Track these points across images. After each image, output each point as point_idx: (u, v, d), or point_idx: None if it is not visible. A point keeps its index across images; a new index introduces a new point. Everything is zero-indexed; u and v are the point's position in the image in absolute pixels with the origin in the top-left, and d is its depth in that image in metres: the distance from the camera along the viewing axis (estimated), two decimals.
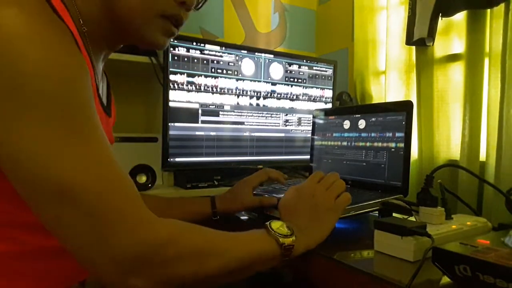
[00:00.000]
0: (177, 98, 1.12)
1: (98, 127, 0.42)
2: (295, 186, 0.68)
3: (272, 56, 1.29)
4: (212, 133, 1.19)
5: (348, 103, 1.40)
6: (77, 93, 0.40)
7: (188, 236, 0.46)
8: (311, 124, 1.08)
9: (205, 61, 1.16)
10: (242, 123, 1.25)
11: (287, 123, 1.35)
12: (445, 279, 0.46)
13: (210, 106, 1.18)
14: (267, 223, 0.55)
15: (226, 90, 1.20)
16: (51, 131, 0.38)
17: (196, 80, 1.15)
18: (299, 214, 0.61)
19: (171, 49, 1.10)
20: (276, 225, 0.55)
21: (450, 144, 1.10)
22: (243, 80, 1.24)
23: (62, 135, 0.38)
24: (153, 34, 0.54)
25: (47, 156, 0.37)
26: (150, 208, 0.74)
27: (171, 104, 1.11)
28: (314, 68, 1.39)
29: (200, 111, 1.16)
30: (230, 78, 1.21)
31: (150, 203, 0.82)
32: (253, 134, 1.27)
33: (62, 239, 0.41)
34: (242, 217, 0.85)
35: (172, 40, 1.09)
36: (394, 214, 0.74)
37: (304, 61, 1.37)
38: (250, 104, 1.26)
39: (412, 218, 0.68)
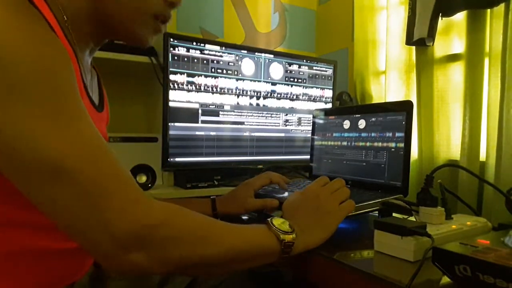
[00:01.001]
0: (177, 98, 1.12)
1: (85, 111, 0.43)
2: (300, 190, 0.68)
3: (272, 56, 1.29)
4: (212, 133, 1.19)
5: (348, 103, 1.40)
6: (59, 77, 0.41)
7: (182, 219, 0.47)
8: (311, 124, 1.08)
9: (205, 61, 1.16)
10: (242, 123, 1.25)
11: (287, 123, 1.35)
12: (445, 279, 0.46)
13: (210, 106, 1.18)
14: (269, 219, 0.55)
15: (226, 90, 1.20)
16: (38, 113, 0.38)
17: (196, 80, 1.14)
18: (301, 213, 0.61)
19: (171, 49, 1.10)
20: (277, 221, 0.55)
21: (450, 144, 1.10)
22: (243, 80, 1.23)
23: (50, 117, 0.39)
24: (144, 33, 0.56)
25: (36, 138, 0.38)
26: None
27: (171, 104, 1.11)
28: (314, 68, 1.39)
29: (200, 111, 1.16)
30: (230, 78, 1.21)
31: None
32: (253, 134, 1.27)
33: (59, 220, 0.41)
34: (243, 217, 0.85)
35: (172, 40, 1.10)
36: (394, 214, 0.74)
37: (304, 61, 1.37)
38: (250, 104, 1.26)
39: (412, 218, 0.68)
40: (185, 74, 1.12)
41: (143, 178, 1.10)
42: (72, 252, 0.52)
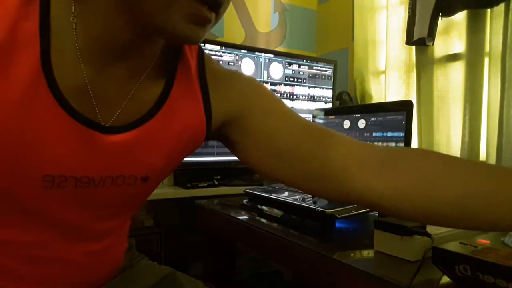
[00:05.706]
0: None
1: None
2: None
3: (272, 55, 1.29)
4: None
5: (348, 103, 1.40)
6: None
7: None
8: None
9: None
10: None
11: None
12: (445, 279, 0.46)
13: None
14: None
15: None
16: None
17: None
18: None
19: None
20: None
21: (450, 144, 1.10)
22: None
23: None
24: (174, 22, 0.34)
25: None
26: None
27: None
28: (314, 68, 1.38)
29: None
30: None
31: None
32: None
33: None
34: (242, 217, 0.85)
35: None
36: None
37: (304, 60, 1.36)
38: None
39: None
40: None
41: None
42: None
